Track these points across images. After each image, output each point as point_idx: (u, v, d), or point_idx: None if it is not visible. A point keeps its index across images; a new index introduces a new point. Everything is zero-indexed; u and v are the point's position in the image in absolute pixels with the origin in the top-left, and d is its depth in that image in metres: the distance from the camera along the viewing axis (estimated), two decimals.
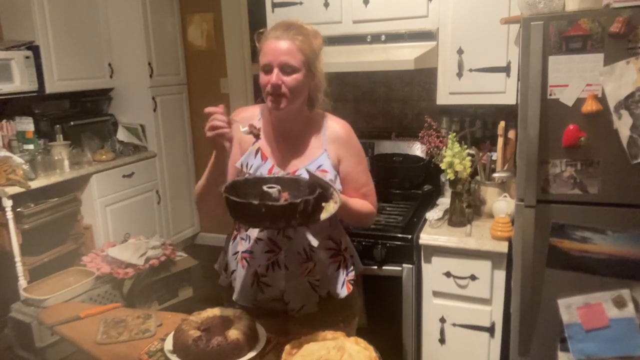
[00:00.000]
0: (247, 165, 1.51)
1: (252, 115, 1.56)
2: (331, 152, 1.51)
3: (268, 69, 1.40)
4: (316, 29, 1.48)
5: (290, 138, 1.52)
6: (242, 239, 1.55)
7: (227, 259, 1.61)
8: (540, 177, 1.74)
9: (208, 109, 1.34)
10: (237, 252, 1.55)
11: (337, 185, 1.48)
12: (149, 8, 3.83)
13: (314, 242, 1.48)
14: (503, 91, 2.19)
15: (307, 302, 1.52)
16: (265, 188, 1.32)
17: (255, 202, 1.23)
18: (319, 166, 1.48)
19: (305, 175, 1.40)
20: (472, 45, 2.20)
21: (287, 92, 1.39)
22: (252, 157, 1.52)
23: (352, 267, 1.60)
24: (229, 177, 1.48)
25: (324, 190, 1.30)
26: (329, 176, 1.46)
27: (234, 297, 1.57)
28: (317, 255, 1.50)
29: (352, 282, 1.58)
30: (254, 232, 1.51)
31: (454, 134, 2.19)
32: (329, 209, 1.31)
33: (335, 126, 1.54)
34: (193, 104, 4.34)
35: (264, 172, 1.49)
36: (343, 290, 1.54)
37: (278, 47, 1.38)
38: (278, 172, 1.49)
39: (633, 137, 1.61)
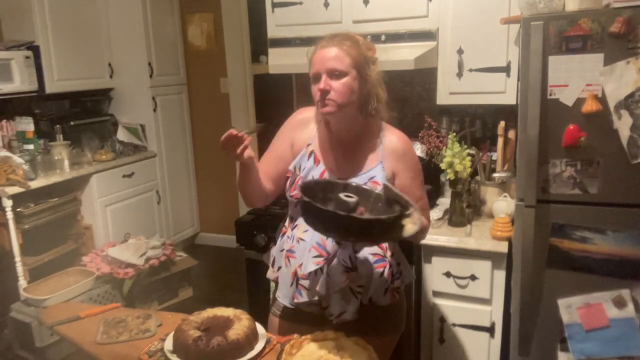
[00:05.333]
0: (299, 168, 1.52)
1: (311, 116, 1.58)
2: (387, 165, 1.49)
3: (317, 78, 1.40)
4: (369, 42, 1.48)
5: (345, 145, 1.51)
6: (288, 237, 1.56)
7: (274, 253, 1.62)
8: (540, 177, 1.74)
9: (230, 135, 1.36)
10: (284, 249, 1.56)
11: None
12: (149, 8, 3.83)
13: (362, 249, 1.47)
14: (503, 91, 2.19)
15: (346, 308, 1.48)
16: (342, 196, 1.30)
17: (343, 213, 1.22)
18: (372, 177, 1.47)
19: (358, 183, 1.43)
20: (472, 45, 2.20)
21: (336, 97, 1.39)
22: (305, 159, 1.53)
23: (398, 275, 1.54)
24: (270, 168, 1.56)
25: (403, 208, 1.28)
26: (379, 189, 1.44)
27: (277, 293, 1.59)
28: (361, 261, 1.48)
29: (397, 290, 1.53)
30: (297, 232, 1.52)
31: (454, 134, 2.19)
32: (407, 230, 1.26)
33: (393, 139, 1.52)
34: (193, 104, 4.34)
35: (315, 175, 1.50)
36: (386, 298, 1.50)
37: (325, 54, 1.39)
38: (330, 177, 1.48)
39: (633, 137, 1.62)
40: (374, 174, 1.47)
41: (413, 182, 1.52)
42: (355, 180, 1.46)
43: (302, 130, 1.57)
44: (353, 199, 1.31)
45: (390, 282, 1.51)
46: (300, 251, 1.49)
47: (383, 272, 1.50)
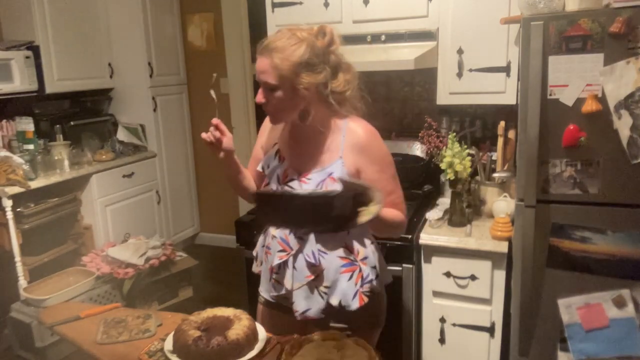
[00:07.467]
0: (267, 167, 1.54)
1: None
2: (348, 160, 1.44)
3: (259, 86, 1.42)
4: (322, 27, 1.40)
5: (305, 140, 1.50)
6: (266, 233, 1.59)
7: (258, 249, 1.66)
8: (540, 177, 1.74)
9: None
10: (264, 245, 1.59)
11: None
12: (149, 8, 3.83)
13: (323, 248, 1.47)
14: (503, 91, 2.19)
15: (311, 306, 1.49)
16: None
17: (290, 193, 1.23)
18: (330, 174, 1.43)
19: (316, 180, 1.43)
20: (472, 45, 2.20)
21: (273, 110, 1.41)
22: (272, 158, 1.54)
23: (370, 278, 1.51)
24: (251, 170, 1.63)
25: (361, 194, 1.26)
26: (335, 186, 1.41)
27: (259, 288, 1.63)
28: (328, 262, 1.47)
29: (367, 294, 1.50)
30: (271, 229, 1.54)
31: (454, 134, 2.19)
32: (371, 211, 1.25)
33: (355, 131, 1.46)
34: (193, 104, 4.34)
35: (279, 173, 1.50)
36: (354, 302, 1.48)
37: (258, 65, 1.38)
38: (292, 174, 1.48)
39: (633, 137, 1.62)
40: (332, 170, 1.44)
41: (381, 176, 1.46)
42: (314, 177, 1.45)
43: (273, 130, 1.59)
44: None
45: (360, 287, 1.49)
46: (274, 247, 1.52)
47: (352, 276, 1.48)
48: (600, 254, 1.72)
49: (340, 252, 1.47)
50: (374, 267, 1.53)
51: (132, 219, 3.75)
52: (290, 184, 1.47)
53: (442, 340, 2.19)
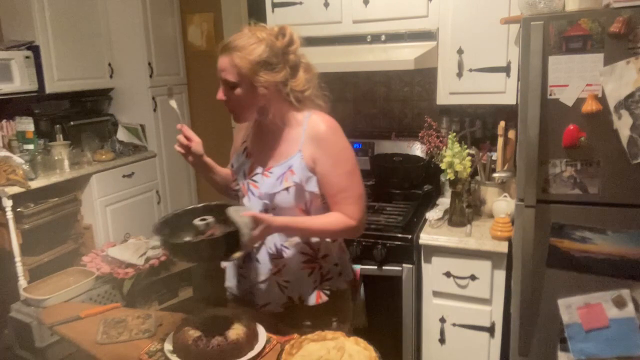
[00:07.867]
0: (237, 163, 1.58)
1: None
2: (307, 152, 1.43)
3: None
4: (282, 28, 1.42)
5: (269, 135, 1.52)
6: None
7: None
8: (540, 177, 1.74)
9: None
10: None
11: (311, 187, 1.44)
12: (149, 8, 3.83)
13: (284, 241, 1.49)
14: (503, 91, 2.19)
15: (271, 300, 1.52)
16: (195, 221, 1.37)
17: (164, 238, 1.32)
18: (290, 166, 1.44)
19: (277, 173, 1.46)
20: (472, 45, 2.20)
21: (234, 107, 1.44)
22: (240, 155, 1.57)
23: (330, 276, 1.53)
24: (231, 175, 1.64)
25: (236, 233, 1.27)
26: (294, 178, 1.42)
27: (226, 283, 1.65)
28: (289, 256, 1.49)
29: (327, 292, 1.52)
30: None
31: (454, 134, 2.19)
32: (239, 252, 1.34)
33: (316, 124, 1.44)
34: (193, 104, 4.34)
35: (246, 168, 1.54)
36: (312, 299, 1.50)
37: (219, 63, 1.40)
38: (257, 168, 1.51)
39: (633, 137, 1.62)
40: (291, 163, 1.44)
41: (334, 170, 1.42)
42: (275, 170, 1.46)
43: (241, 130, 1.63)
44: (204, 222, 1.37)
45: (319, 284, 1.50)
46: None
47: (312, 272, 1.50)
48: (600, 254, 1.72)
49: (302, 247, 1.49)
50: (336, 265, 1.55)
51: (132, 219, 3.75)
52: (255, 177, 1.50)
53: (442, 340, 2.19)
